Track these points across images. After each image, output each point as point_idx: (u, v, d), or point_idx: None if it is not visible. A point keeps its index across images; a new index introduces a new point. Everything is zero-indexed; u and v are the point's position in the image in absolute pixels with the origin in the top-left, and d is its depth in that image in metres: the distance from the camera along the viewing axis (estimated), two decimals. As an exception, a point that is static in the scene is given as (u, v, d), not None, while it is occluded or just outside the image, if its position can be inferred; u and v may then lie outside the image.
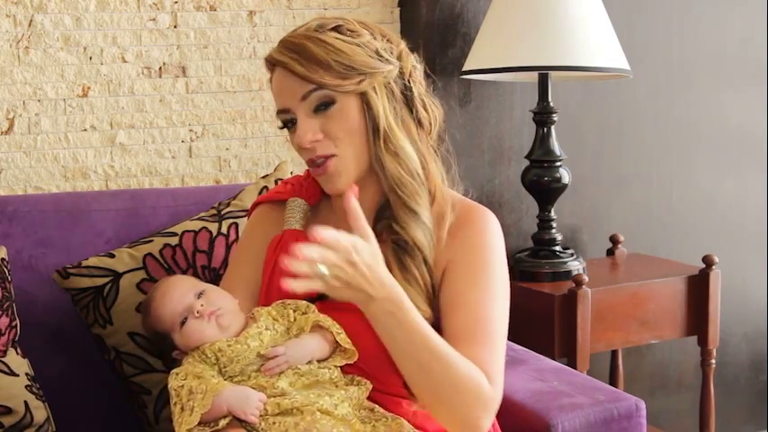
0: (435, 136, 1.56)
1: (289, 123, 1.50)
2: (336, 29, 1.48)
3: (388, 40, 1.52)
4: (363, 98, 1.47)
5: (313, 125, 1.47)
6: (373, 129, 1.47)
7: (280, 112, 1.50)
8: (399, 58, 1.51)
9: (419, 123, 1.53)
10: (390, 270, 1.44)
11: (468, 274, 1.48)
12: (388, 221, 1.50)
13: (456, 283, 1.48)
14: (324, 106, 1.46)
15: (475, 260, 1.49)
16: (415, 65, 1.54)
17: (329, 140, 1.47)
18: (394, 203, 1.49)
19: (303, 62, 1.44)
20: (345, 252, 1.28)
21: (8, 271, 1.81)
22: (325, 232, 1.28)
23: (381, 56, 1.48)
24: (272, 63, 1.50)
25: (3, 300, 1.76)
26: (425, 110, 1.53)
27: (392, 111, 1.49)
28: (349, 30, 1.48)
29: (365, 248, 1.31)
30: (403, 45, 1.54)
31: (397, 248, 1.49)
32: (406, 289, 1.45)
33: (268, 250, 1.60)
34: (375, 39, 1.50)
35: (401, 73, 1.51)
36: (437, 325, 1.47)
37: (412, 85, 1.52)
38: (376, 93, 1.47)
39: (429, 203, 1.51)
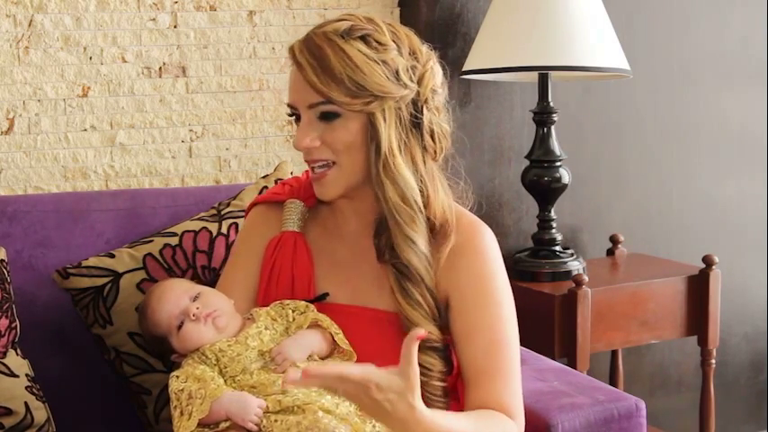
0: (441, 160, 1.53)
1: (295, 117, 1.50)
2: (364, 38, 1.43)
3: (415, 57, 1.48)
4: (370, 118, 1.44)
5: (313, 131, 1.46)
6: (375, 149, 1.45)
7: (289, 104, 1.50)
8: (421, 79, 1.47)
9: (424, 148, 1.49)
10: (393, 294, 1.47)
11: (479, 305, 1.49)
12: (389, 241, 1.49)
13: (467, 315, 1.49)
14: (329, 116, 1.45)
15: (483, 289, 1.50)
16: (435, 89, 1.49)
17: (327, 148, 1.47)
18: (392, 228, 1.48)
19: (318, 72, 1.42)
20: (363, 388, 1.24)
21: (7, 272, 1.81)
22: (345, 369, 1.25)
23: (400, 78, 1.44)
24: (292, 55, 1.47)
25: (2, 301, 1.75)
26: (432, 139, 1.49)
27: (397, 135, 1.46)
28: (377, 41, 1.44)
29: (391, 386, 1.25)
30: (431, 63, 1.50)
31: (398, 273, 1.48)
32: (411, 313, 1.47)
33: (266, 252, 1.60)
34: (401, 55, 1.46)
35: (417, 97, 1.47)
36: (450, 348, 1.50)
37: (424, 112, 1.47)
38: (384, 115, 1.44)
39: (427, 230, 1.49)
